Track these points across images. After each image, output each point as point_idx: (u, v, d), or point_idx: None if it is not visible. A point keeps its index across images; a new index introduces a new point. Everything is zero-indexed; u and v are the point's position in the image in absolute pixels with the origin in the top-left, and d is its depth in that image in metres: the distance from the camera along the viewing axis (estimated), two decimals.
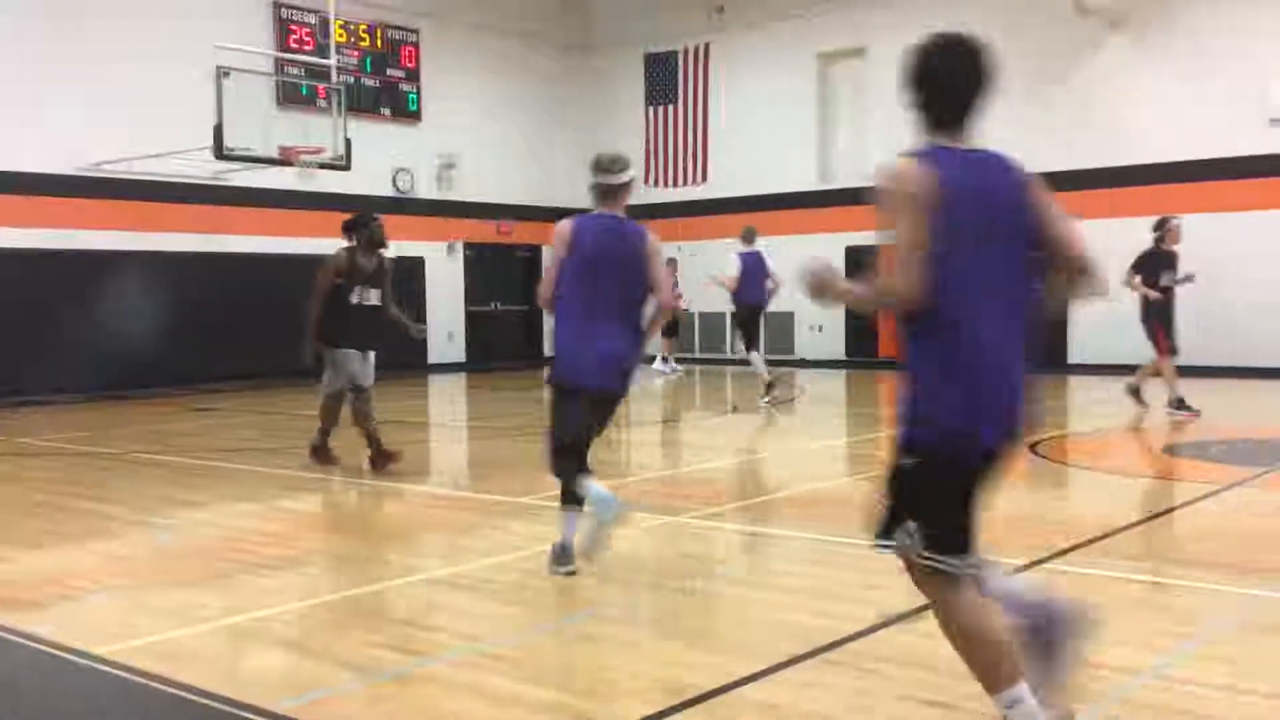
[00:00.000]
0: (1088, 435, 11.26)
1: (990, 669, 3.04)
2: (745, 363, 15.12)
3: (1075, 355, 18.38)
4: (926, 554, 3.12)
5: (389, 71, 20.01)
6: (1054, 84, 18.17)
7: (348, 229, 8.92)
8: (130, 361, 15.80)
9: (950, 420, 3.06)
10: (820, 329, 20.99)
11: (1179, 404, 11.96)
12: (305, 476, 8.81)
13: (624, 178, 5.58)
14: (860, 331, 20.42)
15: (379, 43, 19.83)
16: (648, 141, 23.03)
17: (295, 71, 18.10)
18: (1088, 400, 14.68)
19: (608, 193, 5.55)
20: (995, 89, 3.24)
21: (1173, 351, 12.14)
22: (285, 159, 15.50)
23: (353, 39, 19.30)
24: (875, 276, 3.23)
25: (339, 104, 15.79)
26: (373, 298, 8.78)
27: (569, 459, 5.40)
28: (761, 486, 7.98)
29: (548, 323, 5.55)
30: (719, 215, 21.94)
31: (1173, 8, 17.17)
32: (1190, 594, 4.92)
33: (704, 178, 22.37)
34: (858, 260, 20.32)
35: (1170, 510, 6.76)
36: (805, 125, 21.06)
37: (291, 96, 17.93)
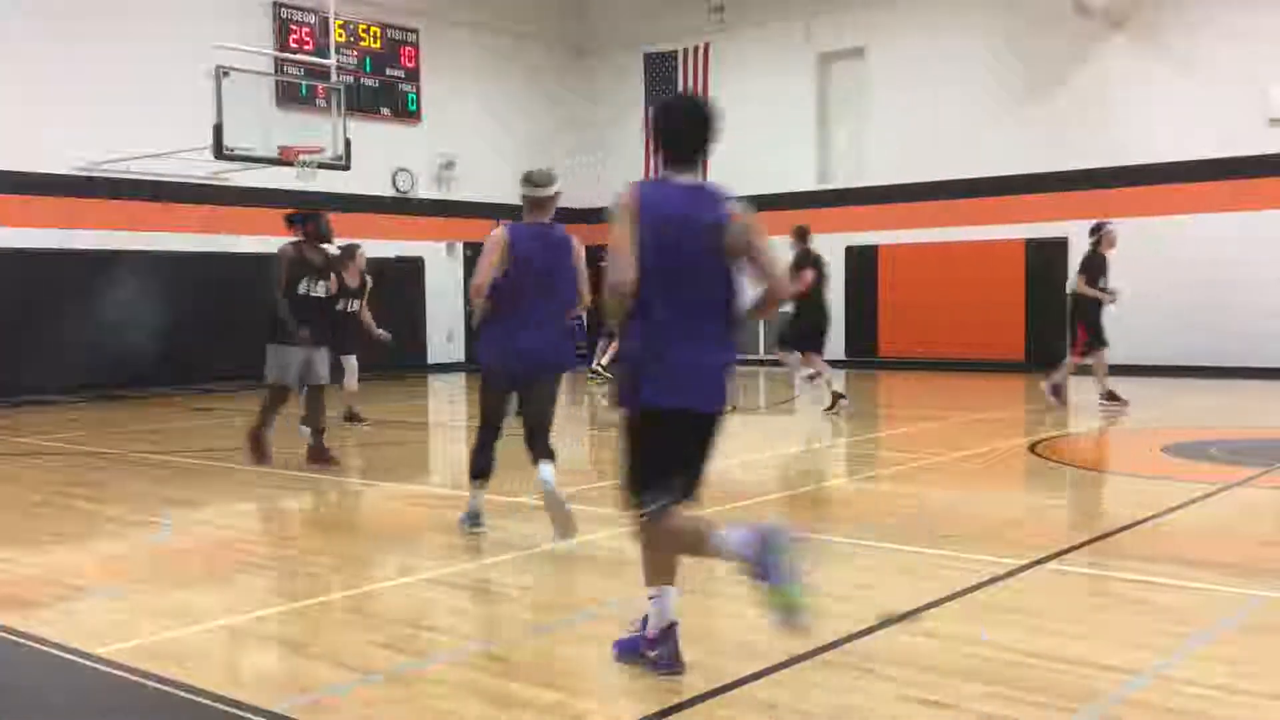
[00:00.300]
0: (1087, 435, 11.26)
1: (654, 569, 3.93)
2: (768, 364, 15.14)
3: None
4: (648, 501, 3.82)
5: (389, 71, 20.01)
6: (1054, 84, 18.18)
7: (293, 223, 9.04)
8: (130, 361, 15.80)
9: (656, 387, 3.77)
10: None
11: (1111, 396, 12.62)
12: (305, 476, 8.80)
13: (550, 191, 6.21)
14: (860, 332, 20.42)
15: (379, 43, 19.83)
16: (647, 141, 23.02)
17: (295, 71, 18.10)
18: (1087, 400, 14.68)
19: (537, 204, 6.19)
20: (717, 137, 4.04)
21: (1104, 345, 12.66)
22: (285, 159, 15.49)
23: (352, 39, 19.30)
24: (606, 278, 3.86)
25: (339, 104, 15.78)
26: (320, 290, 8.90)
27: (490, 448, 6.25)
28: (761, 486, 7.98)
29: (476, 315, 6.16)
30: None
31: (1173, 8, 17.18)
32: (1190, 594, 4.92)
33: (703, 178, 22.33)
34: (857, 259, 20.37)
35: (1170, 510, 6.76)
36: (805, 125, 21.05)
37: (291, 96, 17.93)
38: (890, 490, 8.01)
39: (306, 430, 9.98)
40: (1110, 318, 13.59)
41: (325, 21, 17.15)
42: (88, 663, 4.15)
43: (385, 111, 19.87)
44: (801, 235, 12.99)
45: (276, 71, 17.60)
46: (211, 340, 16.42)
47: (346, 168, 15.73)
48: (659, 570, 3.93)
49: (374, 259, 12.52)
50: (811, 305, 12.50)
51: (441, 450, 11.51)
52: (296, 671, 4.09)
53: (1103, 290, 12.70)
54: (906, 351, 19.67)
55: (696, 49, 22.21)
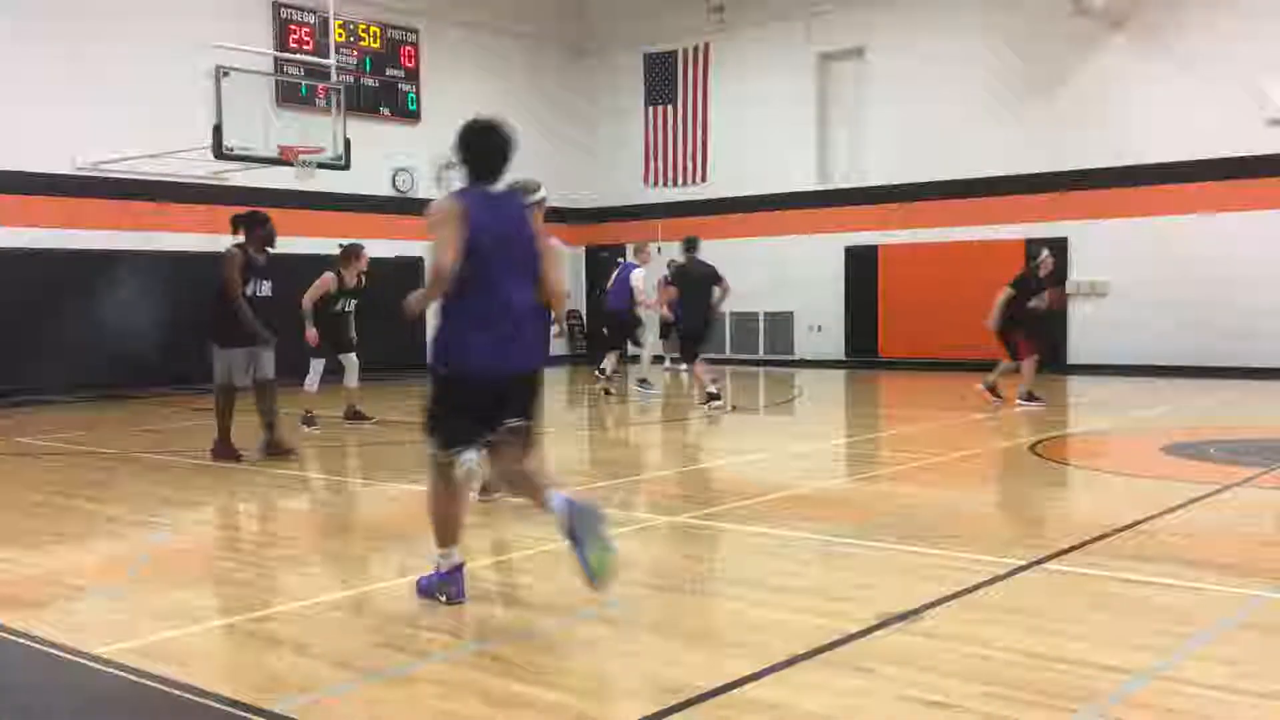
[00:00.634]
0: (1087, 435, 11.27)
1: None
2: (768, 364, 15.28)
3: (1073, 356, 18.40)
4: (443, 449, 4.75)
5: (388, 71, 20.01)
6: (1054, 84, 18.19)
7: (238, 225, 9.37)
8: (130, 361, 15.79)
9: (471, 354, 4.65)
10: (819, 329, 21.00)
11: (1029, 396, 12.92)
12: (304, 476, 8.81)
13: (534, 198, 6.54)
14: (860, 332, 20.43)
15: (378, 43, 19.84)
16: (647, 141, 23.03)
17: (295, 71, 18.10)
18: (1086, 400, 14.68)
19: None
20: (515, 152, 4.83)
21: (1035, 353, 13.01)
22: (285, 159, 15.49)
23: (352, 39, 19.31)
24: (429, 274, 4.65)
25: (338, 104, 15.79)
26: (266, 290, 9.24)
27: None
28: (761, 486, 7.98)
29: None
30: (718, 215, 21.95)
31: (1173, 8, 17.18)
32: (1190, 594, 4.92)
33: (703, 178, 22.37)
34: (857, 259, 20.38)
35: (1170, 510, 6.76)
36: (805, 125, 21.06)
37: (291, 96, 17.92)
38: (890, 490, 8.01)
39: (307, 428, 10.17)
40: (1096, 317, 13.68)
41: (325, 21, 17.15)
42: (88, 663, 4.15)
43: (385, 111, 19.88)
44: (689, 246, 13.56)
45: (276, 71, 17.60)
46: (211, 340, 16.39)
47: (346, 167, 15.74)
48: (449, 533, 4.85)
49: (375, 259, 12.52)
50: (688, 314, 13.24)
51: None
52: (296, 671, 4.09)
53: (1038, 305, 13.20)
54: (906, 351, 19.68)
55: (696, 49, 22.22)
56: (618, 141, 23.35)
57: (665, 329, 20.40)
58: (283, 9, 18.31)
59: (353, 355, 11.83)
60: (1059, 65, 18.11)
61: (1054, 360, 18.26)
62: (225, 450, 9.36)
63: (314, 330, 11.21)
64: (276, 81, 17.64)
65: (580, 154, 23.40)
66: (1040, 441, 10.10)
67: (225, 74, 14.23)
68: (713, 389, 12.85)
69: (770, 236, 21.35)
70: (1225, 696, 3.65)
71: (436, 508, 4.85)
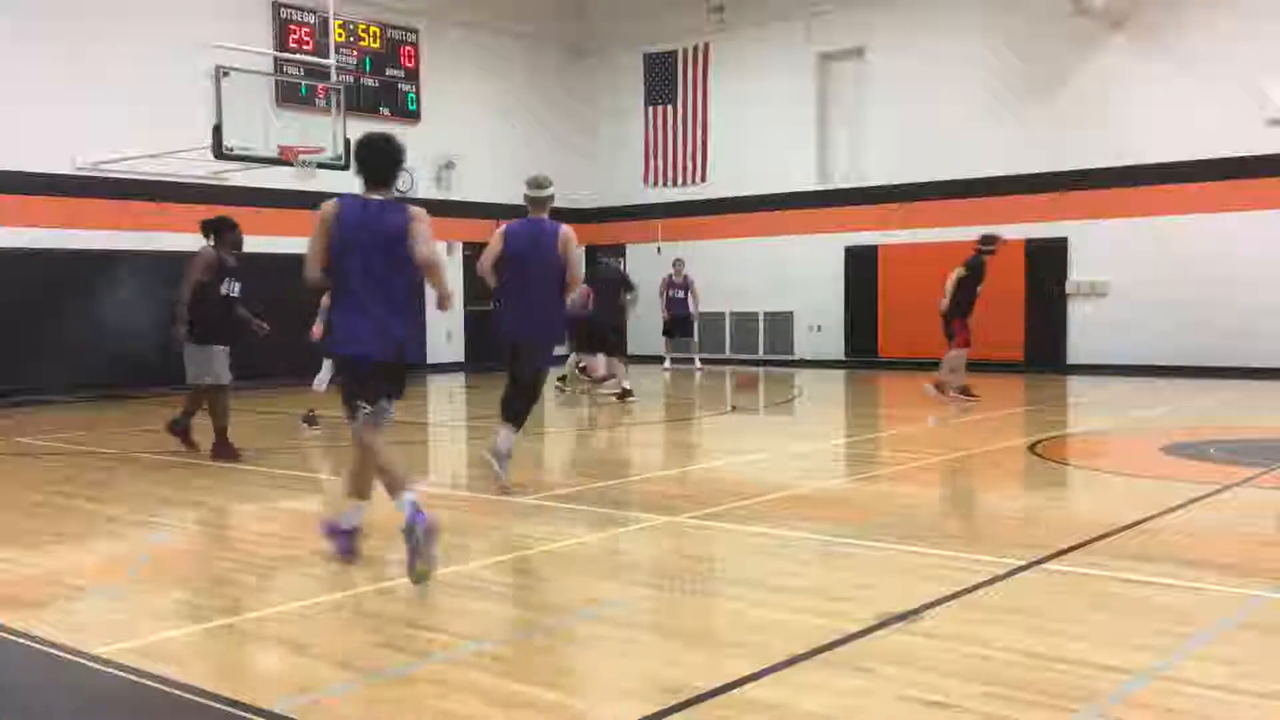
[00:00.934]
0: (1086, 435, 11.27)
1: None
2: (768, 364, 15.41)
3: (1073, 356, 18.40)
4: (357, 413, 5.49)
5: (388, 71, 20.01)
6: (1054, 84, 18.19)
7: (209, 230, 9.60)
8: (130, 361, 15.79)
9: (351, 340, 5.41)
10: (819, 329, 21.00)
11: (965, 390, 13.48)
12: (304, 476, 8.81)
13: (544, 193, 7.71)
14: (860, 332, 20.43)
15: (378, 43, 19.84)
16: (647, 141, 23.03)
17: (295, 71, 18.10)
18: (1086, 400, 14.68)
19: (535, 203, 7.71)
20: (401, 164, 5.55)
21: (969, 346, 13.51)
22: (285, 159, 15.49)
23: (352, 39, 19.31)
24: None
25: (338, 104, 15.79)
26: (235, 290, 9.48)
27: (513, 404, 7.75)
28: (761, 486, 7.98)
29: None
30: (718, 215, 21.95)
31: (1173, 8, 17.18)
32: (1190, 594, 4.92)
33: (703, 178, 22.37)
34: (857, 259, 20.37)
35: (1170, 510, 6.76)
36: (805, 125, 21.06)
37: (291, 96, 17.92)
38: (890, 490, 8.01)
39: (309, 428, 10.19)
40: (1096, 317, 13.86)
41: (325, 21, 17.15)
42: (88, 663, 4.15)
43: (385, 111, 19.87)
44: (601, 257, 14.76)
45: (276, 71, 17.60)
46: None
47: (346, 168, 15.72)
48: (359, 487, 5.59)
49: None
50: (600, 312, 14.49)
51: (441, 450, 11.50)
52: (296, 671, 4.09)
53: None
54: (906, 351, 19.66)
55: (696, 49, 22.22)
56: (618, 141, 23.35)
57: (667, 328, 20.47)
58: (283, 9, 18.31)
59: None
60: (1059, 65, 18.11)
61: (1054, 360, 18.30)
62: (224, 449, 9.40)
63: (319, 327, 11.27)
64: (276, 81, 17.64)
65: (580, 154, 23.39)
66: (1040, 441, 10.10)
67: (225, 74, 14.22)
68: (608, 387, 14.29)
69: (770, 236, 21.35)
70: (1225, 696, 3.65)
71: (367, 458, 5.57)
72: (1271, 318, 16.30)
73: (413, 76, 20.37)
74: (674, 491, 7.99)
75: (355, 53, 19.37)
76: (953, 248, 19.10)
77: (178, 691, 3.82)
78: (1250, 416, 12.25)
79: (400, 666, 4.09)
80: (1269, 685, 3.75)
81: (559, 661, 4.24)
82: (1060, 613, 4.64)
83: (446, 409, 15.72)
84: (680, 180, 22.65)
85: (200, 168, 15.86)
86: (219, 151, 14.31)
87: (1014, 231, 18.56)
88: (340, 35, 18.25)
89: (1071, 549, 5.74)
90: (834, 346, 20.80)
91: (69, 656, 4.22)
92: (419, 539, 4.97)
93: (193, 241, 16.58)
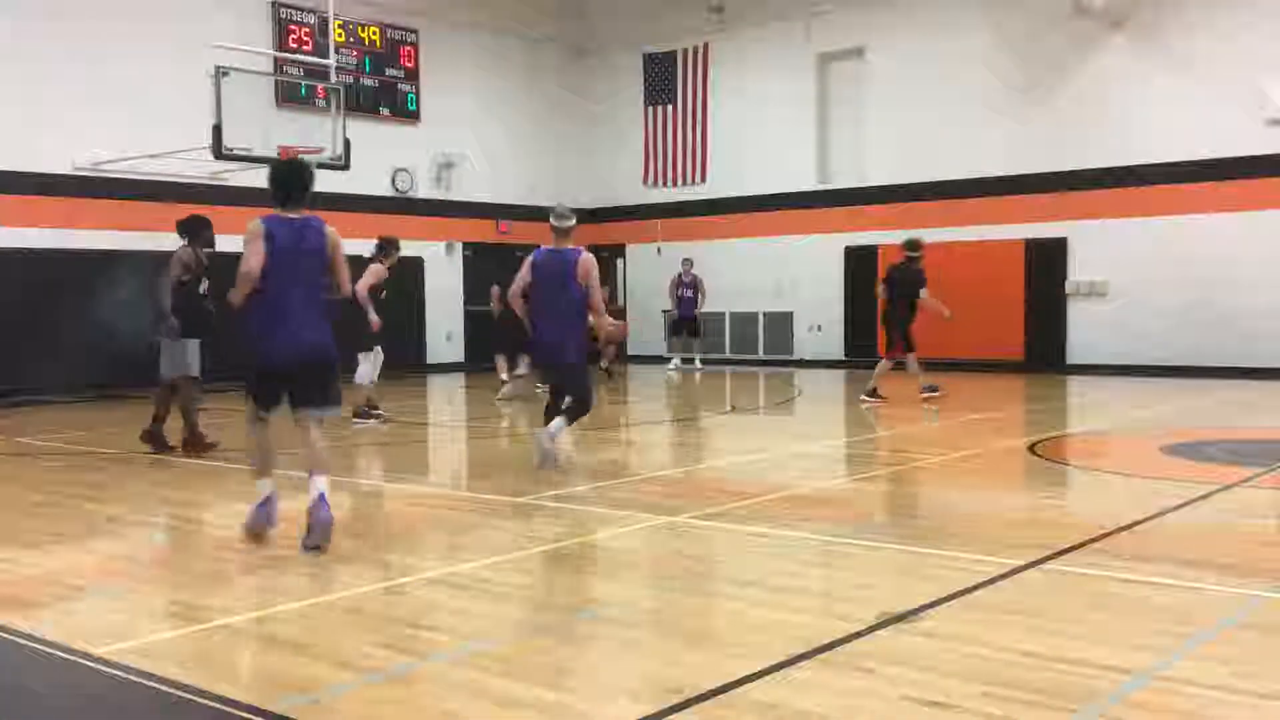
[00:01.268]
0: (1087, 435, 11.27)
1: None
2: (768, 364, 15.33)
3: (1073, 356, 18.40)
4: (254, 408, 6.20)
5: (388, 71, 20.01)
6: (1054, 84, 18.19)
7: (185, 229, 10.03)
8: (130, 361, 15.74)
9: (267, 348, 5.94)
10: (819, 329, 21.00)
11: (873, 392, 13.66)
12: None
13: (568, 224, 8.50)
14: (860, 332, 20.42)
15: (378, 43, 19.84)
16: (647, 141, 23.03)
17: (294, 71, 18.10)
18: (1086, 400, 14.68)
19: (559, 232, 8.48)
20: (311, 186, 6.06)
21: (908, 350, 13.77)
22: (284, 159, 15.48)
23: (351, 39, 19.31)
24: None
25: (338, 104, 15.79)
26: (204, 286, 9.90)
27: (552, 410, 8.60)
28: (761, 486, 7.98)
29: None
30: (718, 215, 21.95)
31: (1172, 8, 17.18)
32: (1190, 594, 4.92)
33: (703, 178, 22.37)
34: (857, 259, 20.37)
35: (1170, 510, 6.76)
36: (805, 125, 21.06)
37: (290, 96, 17.93)
38: (890, 490, 8.00)
39: (362, 423, 10.52)
40: (1100, 318, 13.82)
41: (324, 21, 17.15)
42: (88, 663, 4.14)
43: (385, 111, 19.88)
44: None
45: (276, 71, 17.60)
46: (211, 340, 16.39)
47: (346, 168, 15.72)
48: (264, 467, 6.20)
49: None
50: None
51: (440, 450, 11.51)
52: (296, 671, 4.09)
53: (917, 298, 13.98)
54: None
55: (696, 49, 22.22)
56: (617, 141, 23.34)
57: (677, 327, 20.49)
58: (282, 9, 18.31)
59: (379, 348, 11.94)
60: (1059, 65, 18.11)
61: (1054, 360, 18.29)
62: (197, 441, 9.74)
63: (376, 316, 11.48)
64: (276, 81, 17.64)
65: (580, 154, 23.40)
66: (1040, 441, 10.10)
67: (225, 74, 14.22)
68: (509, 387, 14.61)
69: (770, 236, 21.36)
70: (1225, 696, 3.65)
71: (249, 446, 6.31)
72: (1271, 318, 16.30)
73: (412, 76, 20.37)
74: (674, 491, 7.99)
75: (355, 53, 19.37)
76: (953, 248, 19.16)
77: (177, 692, 3.82)
78: (1250, 416, 12.25)
79: (400, 666, 4.09)
80: (1269, 685, 3.75)
81: (559, 661, 4.23)
82: (1060, 613, 4.64)
83: (445, 409, 15.72)
84: (680, 180, 22.65)
85: (200, 168, 15.86)
86: (219, 151, 14.30)
87: (1014, 232, 18.61)
88: (340, 35, 18.26)
89: (1071, 549, 5.74)
90: (834, 346, 20.80)
91: (68, 656, 4.22)
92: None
93: None
